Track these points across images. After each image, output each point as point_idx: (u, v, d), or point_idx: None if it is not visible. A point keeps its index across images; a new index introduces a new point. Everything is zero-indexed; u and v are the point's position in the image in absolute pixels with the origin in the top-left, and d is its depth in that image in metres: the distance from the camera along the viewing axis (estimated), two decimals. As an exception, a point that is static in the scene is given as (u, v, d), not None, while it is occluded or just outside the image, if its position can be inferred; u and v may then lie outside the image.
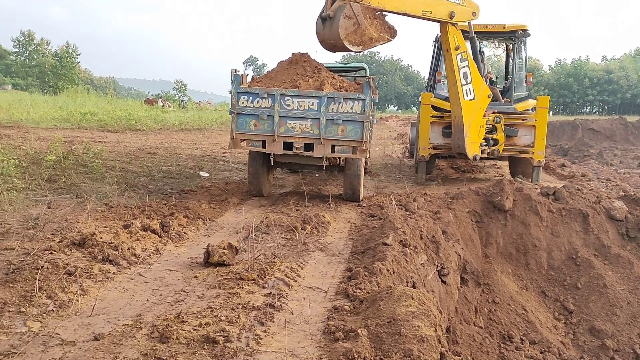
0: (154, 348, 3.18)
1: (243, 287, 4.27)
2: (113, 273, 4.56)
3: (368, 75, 10.12)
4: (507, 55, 11.93)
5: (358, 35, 7.55)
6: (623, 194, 8.30)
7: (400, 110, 79.06)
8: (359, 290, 4.18)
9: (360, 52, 7.90)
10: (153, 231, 5.74)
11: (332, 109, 7.37)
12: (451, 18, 8.57)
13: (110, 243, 5.06)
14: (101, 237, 5.15)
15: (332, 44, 7.70)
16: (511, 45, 11.25)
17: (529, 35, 10.84)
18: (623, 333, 5.82)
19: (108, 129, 18.93)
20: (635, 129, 25.60)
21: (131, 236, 5.45)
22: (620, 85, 65.93)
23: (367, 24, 7.55)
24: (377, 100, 8.53)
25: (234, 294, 4.12)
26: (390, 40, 7.95)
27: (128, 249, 5.06)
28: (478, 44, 9.99)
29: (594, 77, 67.23)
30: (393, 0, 7.92)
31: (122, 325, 3.54)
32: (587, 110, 71.66)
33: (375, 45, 7.87)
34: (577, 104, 69.33)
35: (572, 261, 6.63)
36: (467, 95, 9.13)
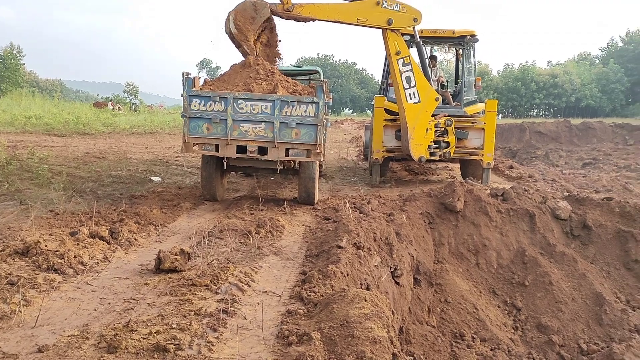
0: (102, 359, 3.09)
1: (195, 294, 4.20)
2: (58, 282, 4.40)
3: (322, 78, 10.16)
4: (457, 60, 12.21)
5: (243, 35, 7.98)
6: (567, 194, 8.63)
7: (355, 114, 79.72)
8: (313, 294, 4.17)
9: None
10: (101, 238, 5.58)
11: (286, 112, 7.35)
12: (389, 25, 8.74)
13: (55, 251, 4.88)
14: (46, 245, 4.96)
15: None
16: (460, 50, 11.51)
17: (477, 40, 11.12)
18: (568, 328, 6.03)
19: (55, 133, 18.33)
20: (579, 131, 26.61)
21: (78, 244, 5.27)
22: (564, 89, 68.50)
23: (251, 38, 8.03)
24: (331, 104, 8.57)
25: (185, 300, 4.05)
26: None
27: (75, 257, 4.89)
28: (424, 48, 10.19)
29: (540, 81, 69.60)
30: (324, 10, 8.07)
31: (68, 336, 3.42)
32: (534, 113, 74.11)
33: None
34: (524, 107, 71.60)
35: (520, 260, 6.83)
36: (410, 99, 9.31)
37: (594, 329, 6.03)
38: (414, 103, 9.35)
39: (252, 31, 7.96)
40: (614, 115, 62.84)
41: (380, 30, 9.04)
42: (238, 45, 8.06)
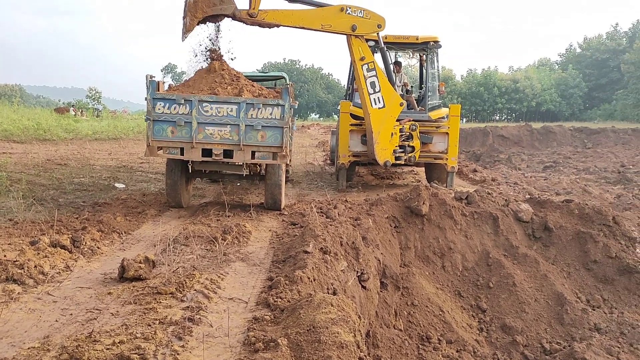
0: (63, 371, 3.01)
1: (160, 302, 4.14)
2: (18, 293, 4.28)
3: (288, 83, 10.17)
4: (421, 66, 12.38)
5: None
6: (529, 196, 8.83)
7: (321, 118, 79.97)
8: (280, 300, 4.16)
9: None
10: (63, 247, 5.45)
11: (252, 114, 7.34)
12: (353, 31, 8.81)
13: (15, 261, 4.75)
14: (5, 256, 4.84)
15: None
16: (424, 56, 11.68)
17: (440, 46, 11.31)
18: (531, 329, 6.15)
19: (14, 139, 17.82)
20: (540, 135, 27.32)
21: (39, 253, 5.14)
22: (526, 94, 70.14)
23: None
24: (297, 107, 8.57)
25: (150, 309, 3.99)
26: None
27: (35, 266, 4.77)
28: (389, 54, 10.30)
29: (502, 86, 71.10)
30: (289, 16, 8.08)
31: (28, 349, 3.33)
32: (497, 117, 75.62)
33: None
34: (487, 112, 72.98)
35: (485, 262, 6.94)
36: (375, 104, 9.39)
37: (556, 328, 6.17)
38: (379, 108, 9.44)
39: (203, 13, 7.72)
40: (573, 119, 64.65)
41: (345, 36, 9.10)
42: (184, 16, 7.82)
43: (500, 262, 6.82)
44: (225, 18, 7.97)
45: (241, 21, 7.98)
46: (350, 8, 8.66)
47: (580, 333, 5.98)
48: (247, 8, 7.93)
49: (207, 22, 7.94)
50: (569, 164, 18.85)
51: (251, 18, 7.81)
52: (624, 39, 73.27)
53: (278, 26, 8.17)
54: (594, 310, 6.38)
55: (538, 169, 18.26)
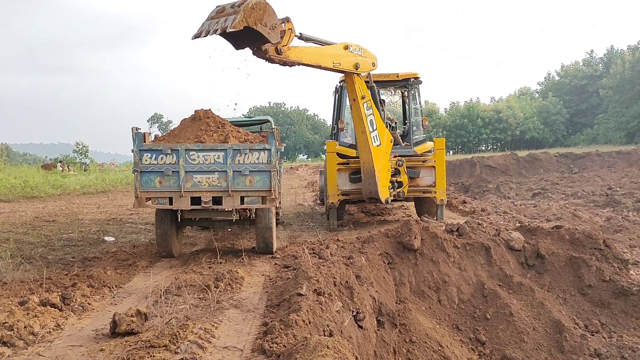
0: None
1: (154, 355, 4.06)
2: (8, 356, 4.18)
3: (273, 126, 10.28)
4: (404, 102, 12.60)
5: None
6: (519, 225, 8.88)
7: (309, 159, 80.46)
8: (276, 345, 4.10)
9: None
10: (53, 305, 5.36)
11: (239, 160, 7.38)
12: (356, 69, 8.90)
13: (4, 323, 4.66)
14: (-7, 318, 4.73)
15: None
16: (406, 92, 11.90)
17: (420, 82, 11.54)
18: (532, 358, 6.09)
19: (1, 199, 17.71)
20: (527, 163, 27.63)
21: (28, 313, 5.04)
22: (509, 124, 71.32)
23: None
24: (283, 150, 8.62)
25: (144, 363, 3.91)
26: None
27: (25, 327, 4.67)
28: (377, 91, 10.45)
29: (486, 117, 72.30)
30: (309, 54, 7.94)
31: (18, 414, 3.24)
32: (483, 148, 76.58)
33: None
34: (473, 143, 73.95)
35: (480, 293, 6.91)
36: (375, 142, 9.44)
37: (556, 356, 6.11)
38: (377, 146, 9.49)
39: (254, 23, 6.64)
40: (557, 145, 65.66)
41: (344, 75, 9.17)
42: (221, 12, 6.77)
43: (495, 292, 6.80)
44: (249, 48, 7.21)
45: (265, 56, 7.29)
46: (351, 46, 8.78)
47: (581, 360, 5.92)
48: (281, 41, 7.31)
49: (231, 40, 7.14)
50: (557, 189, 19.02)
51: (278, 55, 7.36)
52: (600, 65, 75.19)
53: (297, 65, 7.94)
54: (592, 335, 6.35)
55: (527, 196, 18.39)
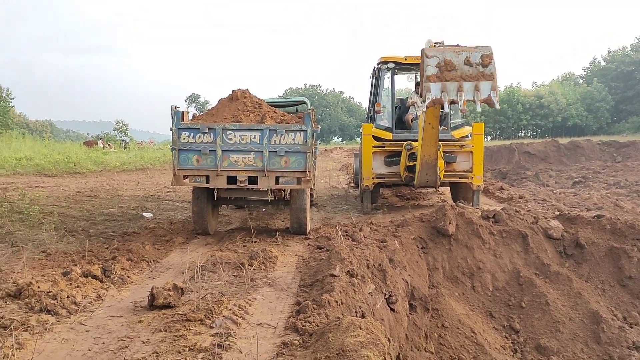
0: (96, 400, 3.04)
1: (190, 329, 4.16)
2: (52, 324, 4.35)
3: (309, 108, 10.28)
4: (443, 85, 12.36)
5: None
6: (558, 213, 8.68)
7: (344, 142, 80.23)
8: (308, 324, 4.15)
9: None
10: (94, 277, 5.54)
11: (275, 140, 7.42)
12: None
13: (48, 292, 4.84)
14: (38, 287, 4.92)
15: None
16: (446, 76, 11.67)
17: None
18: (567, 349, 6.00)
19: (45, 173, 18.27)
20: (568, 150, 26.92)
21: (71, 283, 5.23)
22: (551, 110, 69.41)
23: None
24: (319, 132, 8.61)
25: (180, 336, 4.01)
26: None
27: (67, 297, 4.84)
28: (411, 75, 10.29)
29: (526, 102, 70.51)
30: None
31: (61, 378, 3.38)
32: (522, 134, 74.86)
33: None
34: (512, 129, 72.35)
35: (516, 281, 6.82)
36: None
37: (592, 347, 6.00)
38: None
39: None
40: (601, 133, 63.66)
41: None
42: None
43: (531, 281, 6.70)
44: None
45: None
46: None
47: (618, 352, 5.81)
48: None
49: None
50: (598, 178, 18.49)
51: None
52: (649, 51, 72.21)
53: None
54: (631, 327, 6.21)
55: (567, 184, 17.95)
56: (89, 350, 3.88)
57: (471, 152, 10.59)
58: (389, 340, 3.77)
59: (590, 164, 24.08)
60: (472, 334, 6.08)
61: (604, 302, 6.63)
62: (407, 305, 5.84)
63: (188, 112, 7.98)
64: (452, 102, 5.48)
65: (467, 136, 10.94)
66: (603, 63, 78.74)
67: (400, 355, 4.81)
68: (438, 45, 7.00)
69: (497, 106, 5.35)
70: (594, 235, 7.25)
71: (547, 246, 7.21)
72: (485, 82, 5.15)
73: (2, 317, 4.23)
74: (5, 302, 4.68)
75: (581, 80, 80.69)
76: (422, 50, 5.37)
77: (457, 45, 5.43)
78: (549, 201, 12.67)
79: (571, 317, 6.34)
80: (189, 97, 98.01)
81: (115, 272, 5.79)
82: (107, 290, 5.32)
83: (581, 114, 70.07)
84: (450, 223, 7.11)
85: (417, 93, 11.81)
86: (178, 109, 7.51)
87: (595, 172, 20.54)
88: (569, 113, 69.65)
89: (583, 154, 26.55)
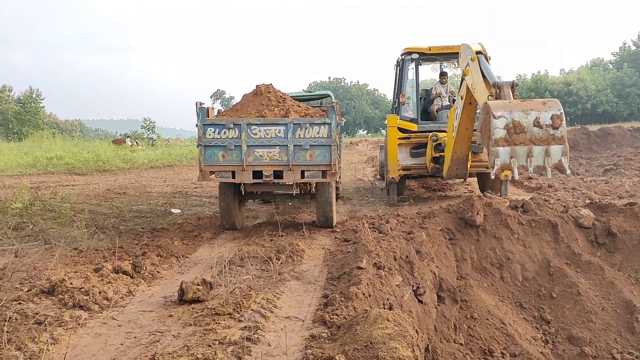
0: (129, 392, 3.10)
1: (219, 323, 4.21)
2: (85, 319, 4.45)
3: (333, 101, 10.26)
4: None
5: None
6: (589, 201, 8.50)
7: (369, 134, 79.88)
8: (336, 316, 4.16)
9: None
10: (125, 272, 5.65)
11: (299, 134, 7.43)
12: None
13: (80, 288, 4.95)
14: (71, 283, 5.04)
15: None
16: (470, 65, 11.51)
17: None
18: (600, 339, 5.89)
19: (75, 172, 18.67)
20: (598, 138, 26.32)
21: (102, 279, 5.34)
22: (580, 97, 67.93)
23: None
24: (343, 124, 8.59)
25: (210, 330, 4.06)
26: None
27: (99, 292, 4.95)
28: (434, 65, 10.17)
29: (554, 90, 69.10)
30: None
31: (96, 372, 3.45)
32: (551, 122, 73.36)
33: None
34: (540, 117, 71.00)
35: (546, 271, 6.71)
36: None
37: (626, 338, 5.88)
38: None
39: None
40: (632, 119, 62.06)
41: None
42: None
43: (562, 270, 6.58)
44: None
45: None
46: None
47: (653, 342, 5.67)
48: None
49: None
50: (630, 165, 18.05)
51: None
52: (682, 33, 69.97)
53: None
54: (666, 317, 6.05)
55: (598, 172, 17.57)
56: (121, 344, 3.96)
57: (498, 141, 10.43)
58: (417, 332, 3.76)
59: (622, 150, 23.50)
60: (502, 325, 6.01)
61: (637, 292, 6.47)
62: (435, 297, 5.81)
63: (213, 109, 8.05)
64: (522, 168, 5.20)
65: (494, 125, 10.77)
66: (633, 47, 76.63)
67: (429, 347, 4.79)
68: (480, 55, 6.77)
69: (568, 172, 5.05)
70: (627, 224, 7.08)
71: (578, 235, 7.07)
72: (556, 146, 4.87)
73: (36, 313, 4.33)
74: (40, 298, 4.80)
75: (611, 66, 78.69)
76: (489, 108, 4.81)
77: (523, 101, 4.94)
78: (579, 189, 12.43)
79: (604, 307, 6.22)
80: (214, 93, 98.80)
81: (145, 268, 5.88)
82: (137, 286, 5.42)
83: (611, 100, 68.39)
84: (477, 213, 7.02)
85: (441, 83, 11.72)
86: (203, 106, 7.57)
87: (627, 159, 20.04)
88: (598, 100, 68.05)
89: (614, 140, 25.92)
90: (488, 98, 5.50)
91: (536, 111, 4.67)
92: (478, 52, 6.96)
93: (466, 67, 7.34)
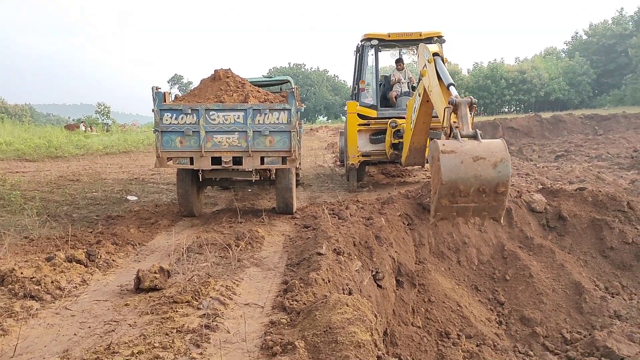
0: (83, 383, 3.03)
1: (177, 311, 4.16)
2: (36, 309, 4.32)
3: (293, 87, 10.19)
4: (426, 61, 12.31)
5: None
6: (541, 187, 8.75)
7: (330, 120, 79.90)
8: (296, 302, 4.16)
9: None
10: (79, 261, 5.50)
11: (259, 120, 7.36)
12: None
13: (32, 278, 4.79)
14: (22, 273, 4.87)
15: None
16: (429, 52, 11.60)
17: (444, 41, 11.24)
18: (551, 319, 6.10)
19: (26, 158, 18.01)
20: (550, 125, 27.09)
21: (55, 269, 5.19)
22: (533, 85, 69.62)
23: None
24: (303, 110, 8.55)
25: (167, 318, 4.00)
26: None
27: (52, 282, 4.81)
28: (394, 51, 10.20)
29: (510, 77, 70.59)
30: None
31: (48, 363, 3.36)
32: (506, 109, 75.07)
33: None
34: (496, 105, 72.53)
35: (500, 255, 6.90)
36: None
37: (575, 317, 6.11)
38: None
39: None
40: (583, 107, 64.14)
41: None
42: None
43: (515, 254, 6.78)
44: None
45: None
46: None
47: (600, 321, 5.92)
48: None
49: None
50: (580, 152, 18.68)
51: None
52: (630, 23, 72.49)
53: None
54: (613, 297, 6.32)
55: (550, 158, 18.11)
56: (75, 334, 3.86)
57: (455, 128, 10.60)
58: (375, 316, 3.80)
59: (573, 137, 24.28)
60: (458, 308, 6.16)
61: (586, 273, 6.74)
62: (394, 281, 5.89)
63: (170, 93, 7.88)
64: (460, 219, 5.23)
65: (451, 112, 10.92)
66: (585, 37, 78.95)
67: (388, 330, 4.86)
68: (436, 56, 6.87)
69: (502, 222, 5.16)
70: (576, 208, 7.34)
71: (531, 219, 7.29)
72: (495, 204, 4.92)
73: (-15, 304, 4.18)
74: (-11, 289, 4.63)
75: (563, 55, 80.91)
76: (439, 168, 4.80)
77: (476, 159, 4.77)
78: (532, 175, 12.79)
79: (554, 289, 6.44)
80: (172, 78, 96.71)
81: (100, 256, 5.75)
82: (92, 275, 5.29)
83: (563, 88, 70.41)
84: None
85: (398, 70, 11.80)
86: (160, 90, 7.40)
87: (578, 145, 20.74)
88: (551, 87, 69.93)
89: (565, 127, 26.75)
90: (445, 113, 5.47)
91: (485, 177, 4.70)
92: (435, 54, 7.01)
93: (423, 67, 7.38)
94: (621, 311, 6.02)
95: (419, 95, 8.34)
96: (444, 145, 4.83)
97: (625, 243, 6.84)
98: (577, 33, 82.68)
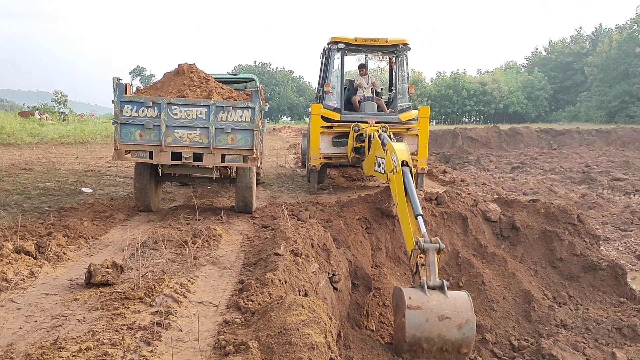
0: (27, 380, 2.93)
1: (128, 307, 4.07)
2: (-20, 301, 4.15)
3: (258, 85, 10.14)
4: (391, 68, 12.48)
5: None
6: (497, 197, 8.99)
7: (293, 121, 79.80)
8: (251, 302, 4.14)
9: None
10: (27, 253, 5.31)
11: (222, 117, 7.29)
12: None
13: (-24, 268, 4.61)
14: (-35, 263, 4.68)
15: None
16: (394, 58, 11.77)
17: (409, 49, 11.41)
18: (500, 326, 6.25)
19: (-24, 144, 17.35)
20: (508, 137, 27.86)
21: (2, 260, 5.00)
22: (493, 96, 71.31)
23: None
24: (268, 110, 8.51)
25: (118, 314, 3.91)
26: None
27: (-2, 273, 4.64)
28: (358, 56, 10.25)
29: (471, 88, 72.11)
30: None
31: (-10, 358, 3.23)
32: (466, 119, 76.63)
33: None
34: (457, 114, 73.95)
35: (454, 261, 7.02)
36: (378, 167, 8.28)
37: (523, 325, 6.28)
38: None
39: None
40: (539, 121, 66.01)
41: None
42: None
43: (469, 261, 6.91)
44: None
45: None
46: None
47: (547, 329, 6.09)
48: None
49: None
50: (535, 164, 19.25)
51: None
52: (587, 43, 75.19)
53: None
54: (560, 307, 6.52)
55: (506, 169, 18.59)
56: (20, 328, 3.73)
57: (417, 135, 10.77)
58: (330, 318, 3.81)
59: (529, 150, 25.02)
60: (411, 313, 6.23)
61: (535, 283, 6.93)
62: (350, 284, 5.93)
63: (131, 85, 7.73)
64: None
65: (413, 119, 11.10)
66: (544, 53, 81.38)
67: (342, 332, 4.89)
68: (405, 167, 6.28)
69: None
70: (529, 219, 7.55)
71: (485, 228, 7.45)
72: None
73: None
74: None
75: (523, 69, 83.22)
76: (404, 326, 4.73)
77: (442, 318, 4.72)
78: (489, 185, 13.12)
79: (505, 297, 6.60)
80: (134, 69, 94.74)
81: (50, 249, 5.58)
82: (40, 267, 5.12)
83: (522, 102, 72.36)
84: (394, 204, 7.21)
85: (361, 75, 11.91)
86: (121, 81, 7.24)
87: (533, 158, 21.37)
88: (510, 100, 71.77)
89: (522, 140, 27.56)
90: (412, 253, 5.38)
91: (449, 338, 4.70)
92: (404, 163, 6.42)
93: (391, 172, 6.76)
94: (567, 320, 6.22)
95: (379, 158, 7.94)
96: (410, 299, 4.72)
97: (574, 255, 7.08)
98: (537, 49, 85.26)
